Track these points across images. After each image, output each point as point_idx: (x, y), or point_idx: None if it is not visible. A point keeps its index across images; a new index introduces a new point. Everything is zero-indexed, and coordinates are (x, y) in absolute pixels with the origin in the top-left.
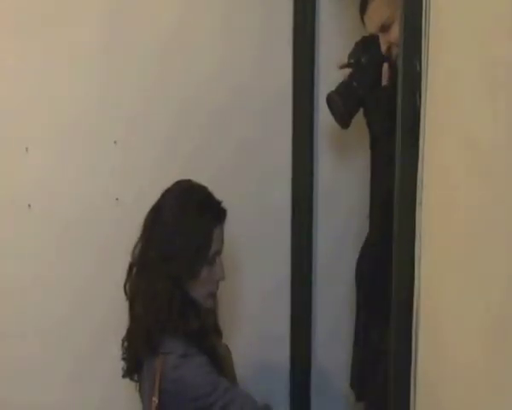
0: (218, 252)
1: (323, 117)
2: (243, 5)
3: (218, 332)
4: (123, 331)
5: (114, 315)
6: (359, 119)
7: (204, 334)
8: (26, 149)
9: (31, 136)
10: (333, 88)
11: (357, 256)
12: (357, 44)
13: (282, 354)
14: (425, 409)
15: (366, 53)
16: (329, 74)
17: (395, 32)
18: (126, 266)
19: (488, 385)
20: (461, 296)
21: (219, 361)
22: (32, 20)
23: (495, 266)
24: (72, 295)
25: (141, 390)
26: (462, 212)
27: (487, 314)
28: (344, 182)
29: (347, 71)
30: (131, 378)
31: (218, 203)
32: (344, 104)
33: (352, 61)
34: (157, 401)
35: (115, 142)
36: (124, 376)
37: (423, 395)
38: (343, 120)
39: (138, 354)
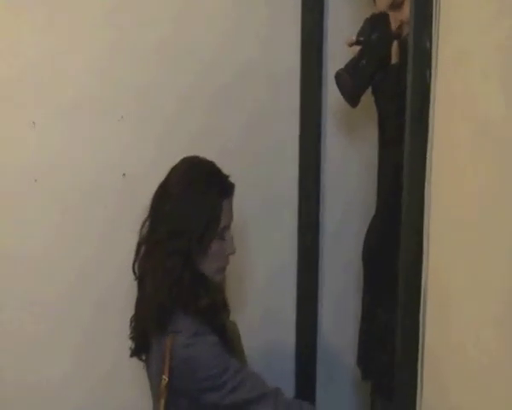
0: (228, 226)
1: (332, 95)
2: None
3: (226, 309)
4: (128, 306)
5: (120, 289)
6: (368, 97)
7: (214, 311)
8: (33, 122)
9: (38, 110)
10: (342, 66)
11: (364, 234)
12: (366, 22)
13: (288, 331)
14: (431, 389)
15: (376, 31)
16: (338, 52)
17: (406, 10)
18: (132, 240)
19: (498, 372)
20: (471, 278)
21: (229, 339)
22: None
23: (506, 248)
24: (78, 269)
25: (149, 369)
26: (472, 191)
27: (500, 297)
28: (351, 160)
29: (356, 48)
30: (139, 358)
31: (226, 177)
32: (353, 82)
33: (361, 38)
34: (167, 380)
35: (122, 117)
36: (131, 355)
37: (430, 375)
38: (352, 98)
39: (147, 333)
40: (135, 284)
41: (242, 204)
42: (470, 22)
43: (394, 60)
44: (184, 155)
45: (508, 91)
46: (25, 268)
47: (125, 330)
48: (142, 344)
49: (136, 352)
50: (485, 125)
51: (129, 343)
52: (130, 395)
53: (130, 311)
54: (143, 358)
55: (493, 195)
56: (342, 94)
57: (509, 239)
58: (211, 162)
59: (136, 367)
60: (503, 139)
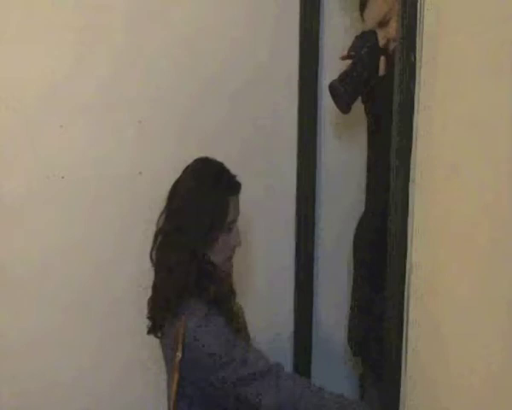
0: (234, 221)
1: (327, 103)
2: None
3: (233, 293)
4: (144, 300)
5: (136, 285)
6: (359, 105)
7: (222, 300)
8: (61, 126)
9: (64, 115)
10: (335, 77)
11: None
12: (357, 38)
13: (286, 313)
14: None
15: (365, 46)
16: (332, 65)
17: (392, 28)
18: (147, 233)
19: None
20: (454, 278)
21: (235, 321)
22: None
23: (500, 247)
24: (97, 263)
25: (164, 347)
26: (462, 191)
27: (487, 299)
28: (346, 161)
29: (348, 62)
30: (155, 335)
31: (233, 176)
32: (345, 92)
33: (352, 53)
34: (180, 356)
35: (140, 121)
36: (148, 332)
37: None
38: (344, 105)
39: (160, 318)
40: (149, 283)
41: (245, 202)
42: (464, 27)
43: (382, 72)
44: (196, 156)
45: (500, 97)
46: (44, 262)
47: (139, 330)
48: (157, 324)
49: (152, 330)
50: (475, 128)
51: (143, 341)
52: (143, 396)
53: (143, 310)
54: (159, 335)
55: (483, 197)
56: (335, 102)
57: (502, 246)
58: (219, 162)
59: (148, 369)
60: (493, 141)
